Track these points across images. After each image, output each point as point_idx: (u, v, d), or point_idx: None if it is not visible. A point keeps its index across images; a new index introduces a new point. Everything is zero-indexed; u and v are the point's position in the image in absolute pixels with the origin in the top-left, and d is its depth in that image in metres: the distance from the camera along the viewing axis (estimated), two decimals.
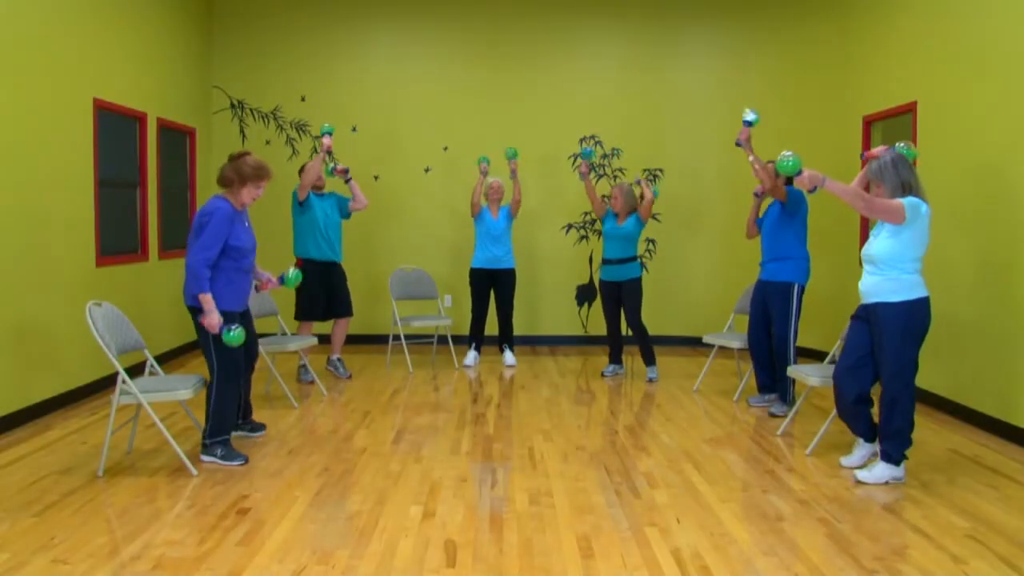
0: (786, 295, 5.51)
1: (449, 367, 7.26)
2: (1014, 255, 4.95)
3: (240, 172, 4.35)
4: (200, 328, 4.29)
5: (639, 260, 6.81)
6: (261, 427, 5.03)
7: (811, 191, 4.19)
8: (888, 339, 4.09)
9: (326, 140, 6.42)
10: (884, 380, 4.14)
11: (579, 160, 6.86)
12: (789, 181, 5.63)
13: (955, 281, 5.52)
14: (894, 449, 4.14)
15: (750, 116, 5.54)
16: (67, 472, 4.22)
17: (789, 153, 4.18)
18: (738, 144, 5.72)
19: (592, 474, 4.28)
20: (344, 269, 6.75)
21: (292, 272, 4.71)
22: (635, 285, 6.67)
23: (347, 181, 6.64)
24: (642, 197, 6.67)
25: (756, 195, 5.90)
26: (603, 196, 7.03)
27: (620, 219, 6.67)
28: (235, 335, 4.21)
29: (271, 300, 6.16)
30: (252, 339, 4.66)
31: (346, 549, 3.28)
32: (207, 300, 4.19)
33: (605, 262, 6.77)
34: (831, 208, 6.72)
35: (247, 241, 4.42)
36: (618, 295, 6.74)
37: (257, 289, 4.81)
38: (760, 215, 5.89)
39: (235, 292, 4.37)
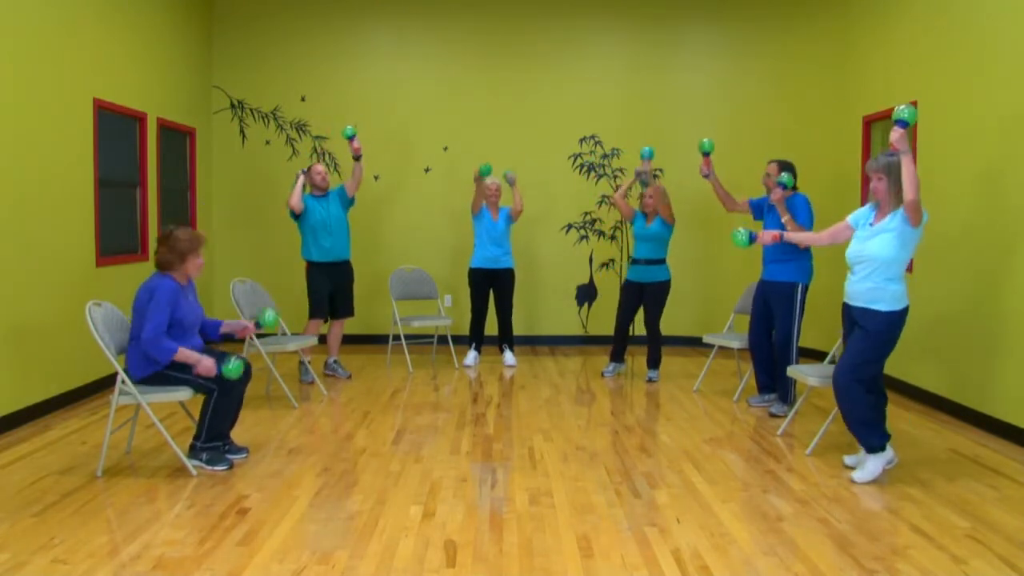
0: (789, 295, 5.50)
1: (449, 367, 7.26)
2: (1013, 254, 4.95)
3: (176, 249, 4.26)
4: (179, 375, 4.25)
5: (667, 264, 6.65)
6: (241, 450, 4.58)
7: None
8: (861, 337, 4.14)
9: (356, 143, 6.59)
10: (839, 367, 4.17)
11: (639, 164, 6.80)
12: (794, 182, 5.62)
13: (955, 280, 5.52)
14: (870, 436, 4.14)
15: (782, 178, 5.33)
16: (67, 472, 4.22)
17: (742, 231, 4.51)
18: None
19: (592, 474, 4.28)
20: (352, 268, 6.77)
21: (269, 315, 4.63)
22: (660, 288, 6.59)
23: (356, 159, 6.67)
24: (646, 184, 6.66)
25: (705, 176, 6.03)
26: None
27: (649, 219, 6.63)
28: (234, 367, 4.16)
29: (271, 300, 6.15)
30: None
31: (346, 549, 3.28)
32: (185, 354, 4.15)
33: (633, 262, 6.72)
34: (830, 207, 6.70)
35: (191, 315, 4.36)
36: (640, 296, 6.67)
37: (239, 338, 4.87)
38: (726, 190, 6.04)
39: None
